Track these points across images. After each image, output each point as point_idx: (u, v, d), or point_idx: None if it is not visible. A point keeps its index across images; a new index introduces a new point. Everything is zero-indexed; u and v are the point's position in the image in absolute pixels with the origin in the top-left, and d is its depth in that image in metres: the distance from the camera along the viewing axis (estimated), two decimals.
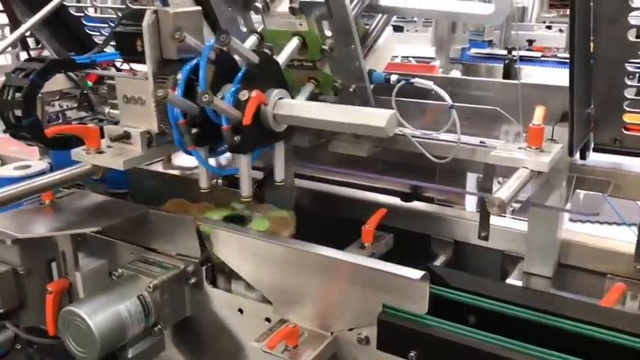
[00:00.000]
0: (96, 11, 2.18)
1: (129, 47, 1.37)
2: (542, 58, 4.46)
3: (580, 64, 1.28)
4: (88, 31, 2.19)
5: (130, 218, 1.46)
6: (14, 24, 2.12)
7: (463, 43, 4.80)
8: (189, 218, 1.41)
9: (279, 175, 1.46)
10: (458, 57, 4.76)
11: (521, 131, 1.40)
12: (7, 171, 1.64)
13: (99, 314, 1.28)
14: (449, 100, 1.42)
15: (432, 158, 1.48)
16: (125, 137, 1.38)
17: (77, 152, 1.39)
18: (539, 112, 1.31)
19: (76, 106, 2.12)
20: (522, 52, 4.61)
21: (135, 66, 1.44)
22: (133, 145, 1.38)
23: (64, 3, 2.04)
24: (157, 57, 1.35)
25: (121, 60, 1.62)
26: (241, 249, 1.33)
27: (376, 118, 1.22)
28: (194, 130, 1.32)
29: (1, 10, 2.15)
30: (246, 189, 1.40)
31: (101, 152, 1.38)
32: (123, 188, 1.82)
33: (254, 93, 1.26)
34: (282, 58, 1.45)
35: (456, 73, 4.23)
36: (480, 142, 1.52)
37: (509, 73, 4.31)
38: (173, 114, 1.30)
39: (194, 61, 1.32)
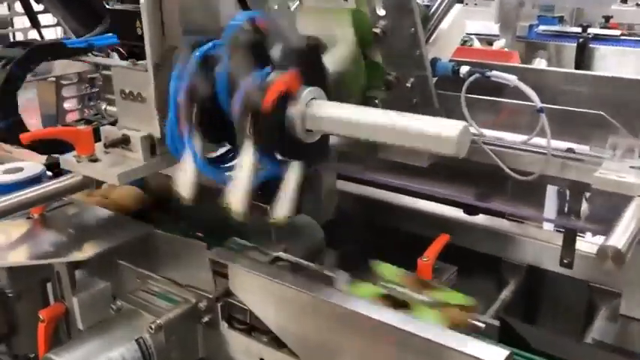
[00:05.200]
0: None
1: (127, 29, 1.11)
2: (622, 37, 3.96)
3: None
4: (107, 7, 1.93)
5: (132, 240, 1.20)
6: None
7: (531, 19, 4.33)
8: (201, 243, 1.14)
9: (281, 209, 0.99)
10: (524, 35, 4.30)
11: (636, 145, 1.06)
12: None
13: None
14: (537, 102, 1.09)
15: (512, 174, 1.16)
16: (124, 142, 1.11)
17: (67, 160, 1.13)
18: None
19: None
20: (598, 30, 4.13)
21: None
22: (134, 151, 1.11)
23: None
24: (159, 43, 1.06)
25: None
26: (266, 292, 1.06)
27: (445, 129, 0.85)
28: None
29: None
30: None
31: (95, 160, 1.11)
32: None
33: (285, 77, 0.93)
34: None
35: (541, 63, 3.62)
36: (569, 149, 1.19)
37: (583, 53, 3.85)
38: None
39: (206, 47, 1.02)
